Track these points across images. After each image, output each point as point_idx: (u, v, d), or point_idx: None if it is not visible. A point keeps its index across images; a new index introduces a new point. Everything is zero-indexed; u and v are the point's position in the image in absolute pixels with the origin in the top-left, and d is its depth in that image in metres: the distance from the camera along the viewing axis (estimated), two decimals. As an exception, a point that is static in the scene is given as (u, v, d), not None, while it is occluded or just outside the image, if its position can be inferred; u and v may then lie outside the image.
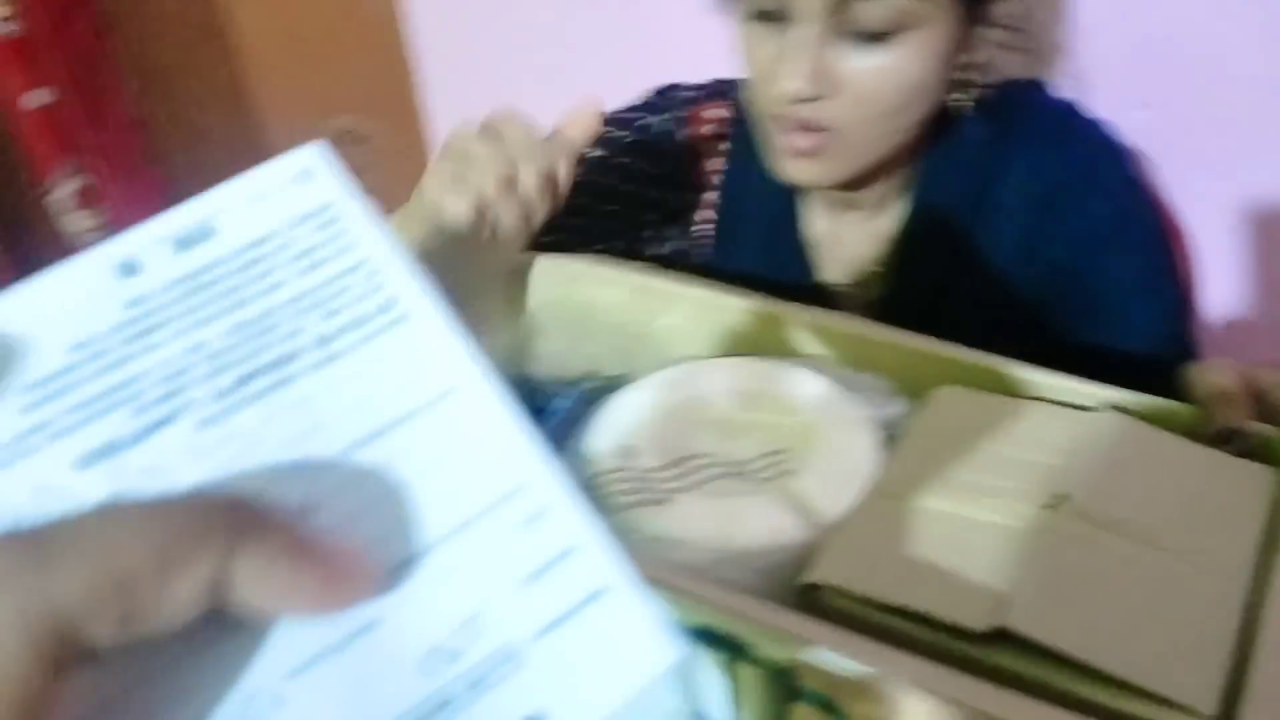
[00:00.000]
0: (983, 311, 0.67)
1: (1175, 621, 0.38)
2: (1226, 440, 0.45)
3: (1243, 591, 0.39)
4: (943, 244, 0.70)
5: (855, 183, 0.68)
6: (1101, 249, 0.68)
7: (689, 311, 0.58)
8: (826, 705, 0.40)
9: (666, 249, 0.79)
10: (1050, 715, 0.33)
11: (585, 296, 0.61)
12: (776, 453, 0.48)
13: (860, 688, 0.38)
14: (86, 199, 1.68)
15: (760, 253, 0.75)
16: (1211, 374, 0.47)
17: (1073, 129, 0.71)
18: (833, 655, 0.38)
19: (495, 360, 0.25)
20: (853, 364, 0.54)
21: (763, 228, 0.75)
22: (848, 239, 0.74)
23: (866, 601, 0.40)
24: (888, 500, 0.44)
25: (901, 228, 0.71)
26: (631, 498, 0.45)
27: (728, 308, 0.57)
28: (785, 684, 0.41)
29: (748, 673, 0.42)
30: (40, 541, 0.20)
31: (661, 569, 0.40)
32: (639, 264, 0.64)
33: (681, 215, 0.78)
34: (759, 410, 0.50)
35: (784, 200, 0.74)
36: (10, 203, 1.66)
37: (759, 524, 0.44)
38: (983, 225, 0.69)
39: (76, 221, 1.67)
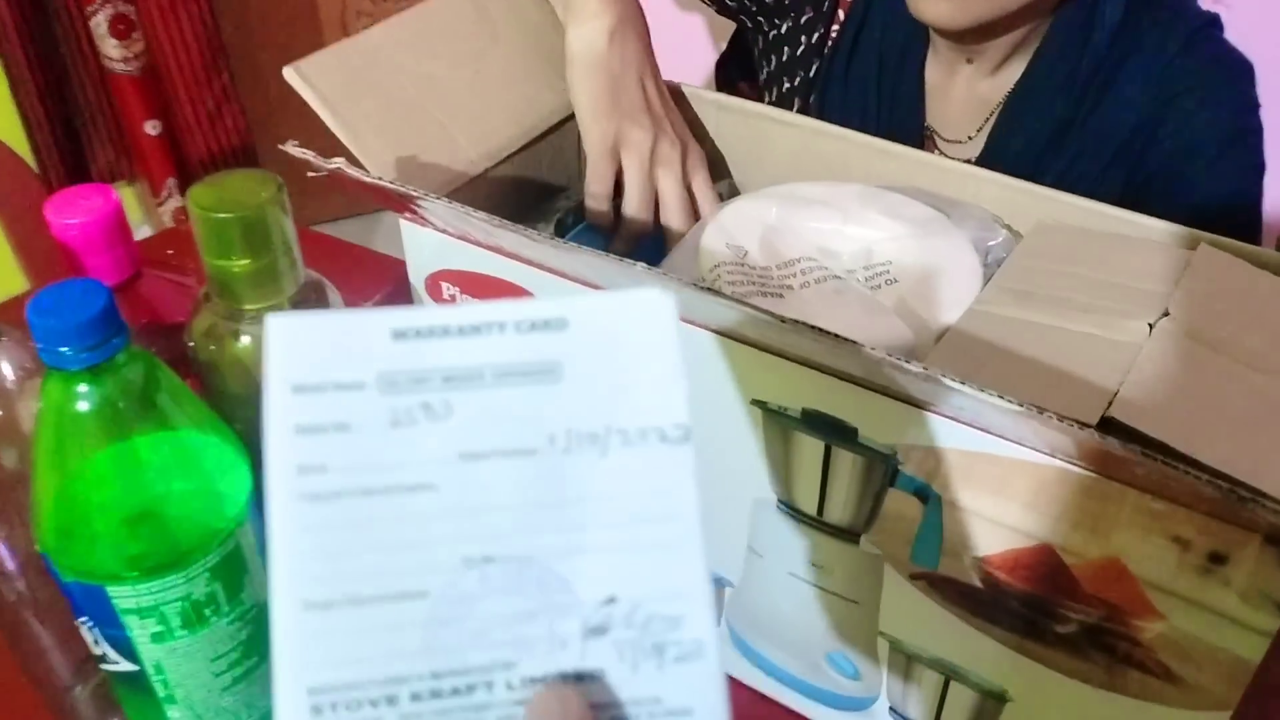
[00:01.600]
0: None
1: (1271, 430, 0.40)
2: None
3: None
4: (1047, 115, 0.71)
5: (981, 32, 0.69)
6: (1204, 164, 0.68)
7: (802, 139, 0.59)
8: (922, 490, 0.43)
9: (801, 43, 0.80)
10: (1172, 475, 0.35)
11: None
12: (881, 264, 0.49)
13: (964, 470, 0.41)
14: (123, 27, 1.66)
15: (875, 83, 0.76)
16: None
17: (1209, 37, 0.71)
18: (946, 426, 0.39)
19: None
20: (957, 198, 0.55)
21: (885, 59, 0.76)
22: (957, 94, 0.75)
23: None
24: (992, 314, 0.46)
25: (1012, 90, 0.72)
26: (747, 288, 0.47)
27: (840, 137, 0.58)
28: (883, 469, 0.43)
29: (845, 460, 0.44)
30: None
31: (774, 345, 0.42)
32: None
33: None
34: (865, 226, 0.51)
35: (911, 37, 0.75)
36: (46, 28, 1.64)
37: (866, 322, 0.46)
38: (1092, 106, 0.70)
39: (113, 49, 1.65)
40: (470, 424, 0.27)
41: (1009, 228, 0.53)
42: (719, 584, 0.51)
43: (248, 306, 0.44)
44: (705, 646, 0.27)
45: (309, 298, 0.46)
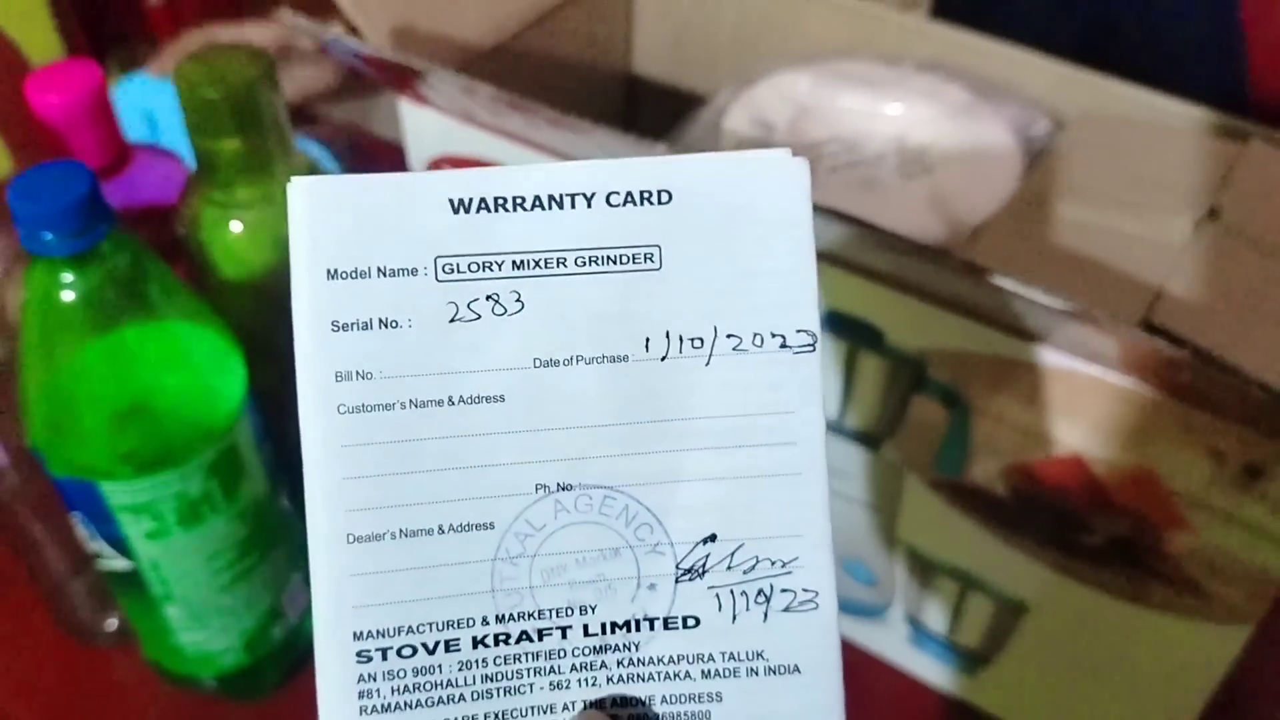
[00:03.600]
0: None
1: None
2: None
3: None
4: None
5: None
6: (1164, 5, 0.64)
7: (815, 12, 0.56)
8: (950, 397, 0.41)
9: None
10: (1217, 383, 0.33)
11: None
12: (914, 150, 0.46)
13: (995, 376, 0.39)
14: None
15: None
16: None
17: None
18: (978, 331, 0.38)
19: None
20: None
21: None
22: None
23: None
24: (1032, 208, 0.43)
25: None
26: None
27: (856, 10, 0.55)
28: (910, 375, 0.41)
29: (871, 364, 0.42)
30: None
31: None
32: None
33: None
34: (897, 104, 0.48)
35: None
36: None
37: (896, 214, 0.43)
38: None
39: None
40: (546, 321, 0.23)
41: (1054, 117, 0.50)
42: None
43: (239, 191, 0.42)
44: (821, 597, 0.23)
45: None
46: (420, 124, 0.47)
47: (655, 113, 0.58)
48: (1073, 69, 0.50)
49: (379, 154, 0.72)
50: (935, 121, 0.47)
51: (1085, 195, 0.43)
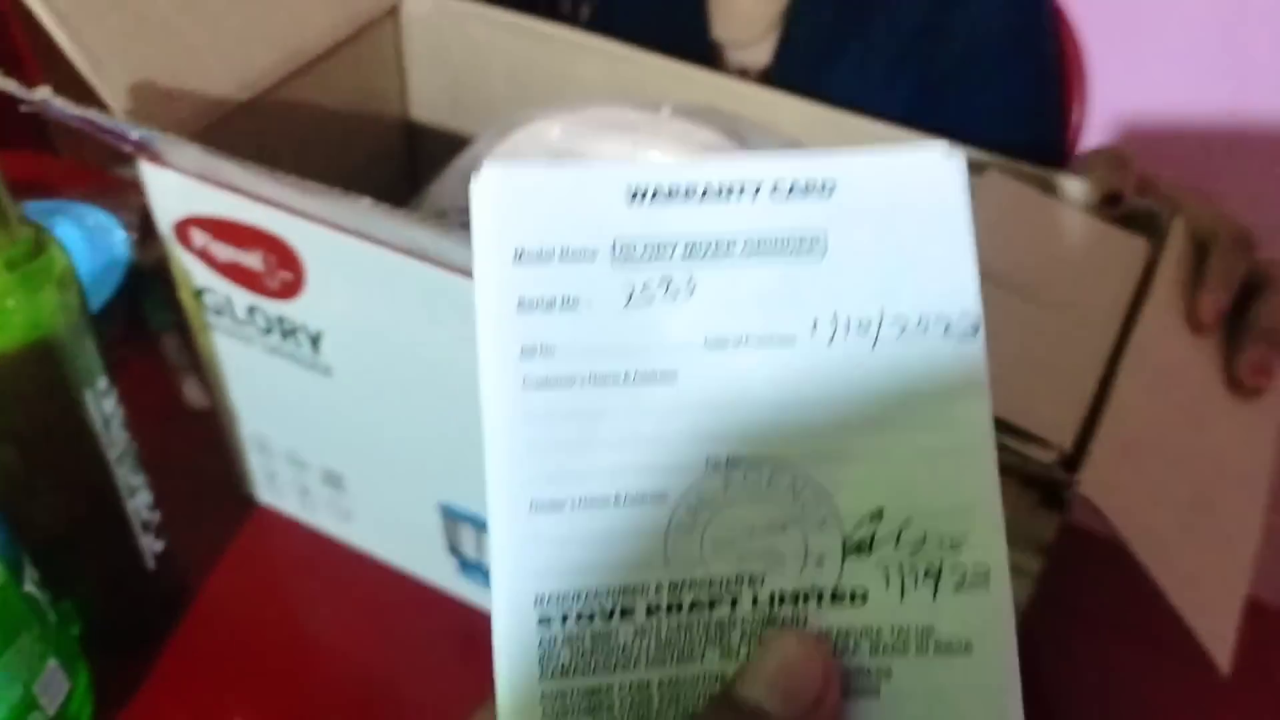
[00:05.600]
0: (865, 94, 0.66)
1: (1043, 365, 0.39)
2: (1110, 204, 0.45)
3: (1107, 345, 0.40)
4: (831, 19, 0.67)
5: None
6: (990, 59, 0.66)
7: (584, 59, 0.56)
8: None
9: None
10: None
11: (469, 35, 0.58)
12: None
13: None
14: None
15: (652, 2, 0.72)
16: (1106, 146, 0.47)
17: None
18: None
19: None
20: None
21: None
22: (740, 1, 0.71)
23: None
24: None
25: None
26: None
27: (640, 63, 0.55)
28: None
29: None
30: None
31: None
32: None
33: None
34: (649, 150, 0.49)
35: None
36: None
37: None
38: (878, 8, 0.67)
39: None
40: (717, 304, 0.24)
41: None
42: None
43: (-47, 266, 0.40)
44: (993, 574, 0.23)
45: (30, 255, 0.41)
46: (161, 184, 0.45)
47: (434, 158, 0.57)
48: (824, 109, 0.51)
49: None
50: (690, 160, 0.47)
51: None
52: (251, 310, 0.46)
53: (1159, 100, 1.08)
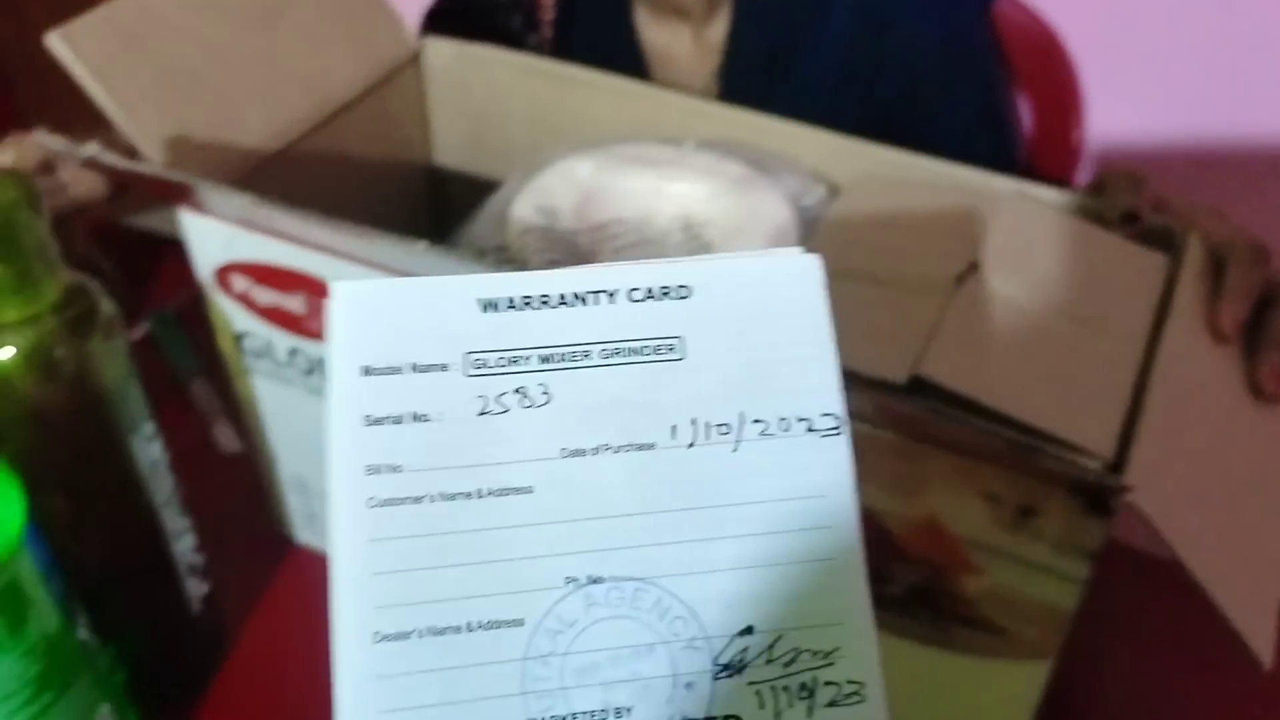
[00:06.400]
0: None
1: (1077, 379, 0.40)
2: (1128, 222, 0.46)
3: (1137, 357, 0.41)
4: (764, 60, 0.67)
5: None
6: (931, 86, 0.67)
7: (602, 98, 0.57)
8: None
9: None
10: (969, 431, 0.35)
11: (490, 79, 0.60)
12: (697, 225, 0.48)
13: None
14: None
15: (595, 62, 0.72)
16: (1120, 164, 0.49)
17: None
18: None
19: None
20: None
21: (595, 37, 0.71)
22: (679, 52, 0.70)
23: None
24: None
25: (725, 39, 0.69)
26: (552, 254, 0.45)
27: (641, 95, 0.56)
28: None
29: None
30: None
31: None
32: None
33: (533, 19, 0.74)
34: (678, 183, 0.50)
35: (615, 8, 0.70)
36: None
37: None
38: (808, 47, 0.67)
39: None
40: (574, 413, 0.23)
41: (829, 183, 0.52)
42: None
43: (5, 316, 0.40)
44: (867, 689, 0.22)
45: (76, 303, 0.42)
46: (202, 232, 0.46)
47: (458, 201, 0.59)
48: (843, 138, 0.52)
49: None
50: (715, 197, 0.48)
51: (854, 261, 0.45)
52: (293, 352, 0.47)
53: (1154, 123, 1.10)
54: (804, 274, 0.24)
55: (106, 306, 0.43)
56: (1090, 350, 0.41)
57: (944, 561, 0.40)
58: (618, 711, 0.22)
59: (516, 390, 0.23)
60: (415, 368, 0.23)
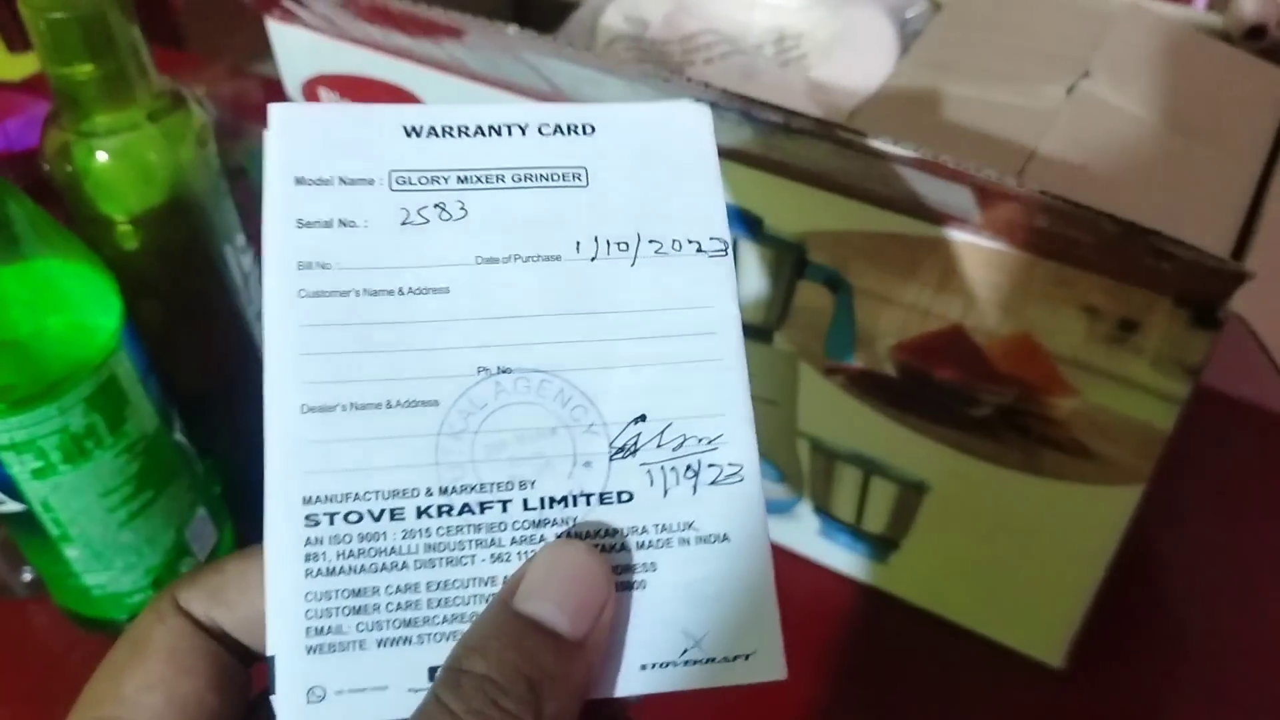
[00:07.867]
0: None
1: (1191, 192, 0.38)
2: (1253, 36, 0.44)
3: (1255, 172, 0.39)
4: None
5: None
6: None
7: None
8: (832, 280, 0.41)
9: None
10: (1076, 221, 0.33)
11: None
12: (792, 37, 0.46)
13: (872, 253, 0.39)
14: None
15: None
16: None
17: None
18: (853, 208, 0.37)
19: None
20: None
21: None
22: None
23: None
24: (905, 89, 0.43)
25: None
26: (644, 65, 0.44)
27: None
28: (792, 261, 0.41)
29: (752, 254, 0.42)
30: None
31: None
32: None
33: None
34: None
35: None
36: None
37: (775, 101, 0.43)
38: None
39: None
40: (488, 226, 0.26)
41: None
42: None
43: (99, 120, 0.41)
44: (745, 469, 0.25)
45: (170, 109, 0.42)
46: (290, 44, 0.46)
47: (542, 17, 0.57)
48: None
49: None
50: (811, 9, 0.47)
51: (960, 71, 0.43)
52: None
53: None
54: (696, 121, 0.27)
55: (200, 114, 0.44)
56: (1205, 165, 0.39)
57: (1036, 381, 0.39)
58: (522, 484, 0.24)
59: (436, 205, 0.25)
60: (343, 180, 0.25)
